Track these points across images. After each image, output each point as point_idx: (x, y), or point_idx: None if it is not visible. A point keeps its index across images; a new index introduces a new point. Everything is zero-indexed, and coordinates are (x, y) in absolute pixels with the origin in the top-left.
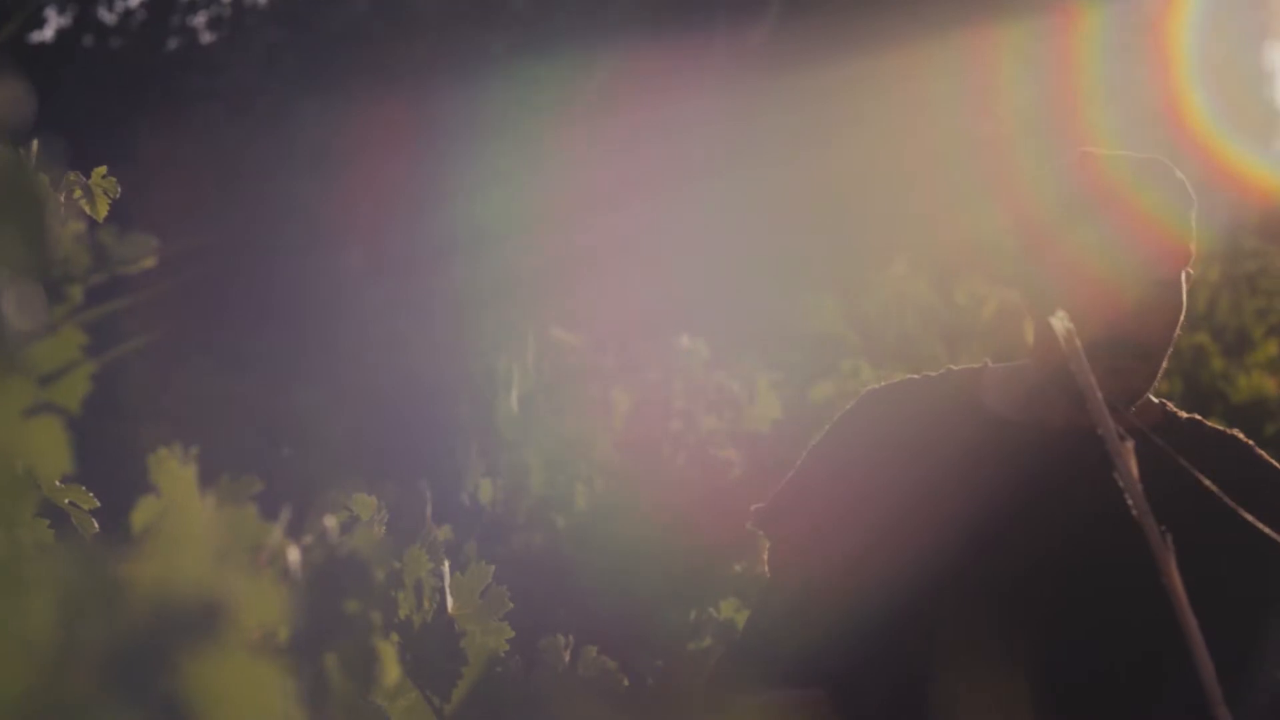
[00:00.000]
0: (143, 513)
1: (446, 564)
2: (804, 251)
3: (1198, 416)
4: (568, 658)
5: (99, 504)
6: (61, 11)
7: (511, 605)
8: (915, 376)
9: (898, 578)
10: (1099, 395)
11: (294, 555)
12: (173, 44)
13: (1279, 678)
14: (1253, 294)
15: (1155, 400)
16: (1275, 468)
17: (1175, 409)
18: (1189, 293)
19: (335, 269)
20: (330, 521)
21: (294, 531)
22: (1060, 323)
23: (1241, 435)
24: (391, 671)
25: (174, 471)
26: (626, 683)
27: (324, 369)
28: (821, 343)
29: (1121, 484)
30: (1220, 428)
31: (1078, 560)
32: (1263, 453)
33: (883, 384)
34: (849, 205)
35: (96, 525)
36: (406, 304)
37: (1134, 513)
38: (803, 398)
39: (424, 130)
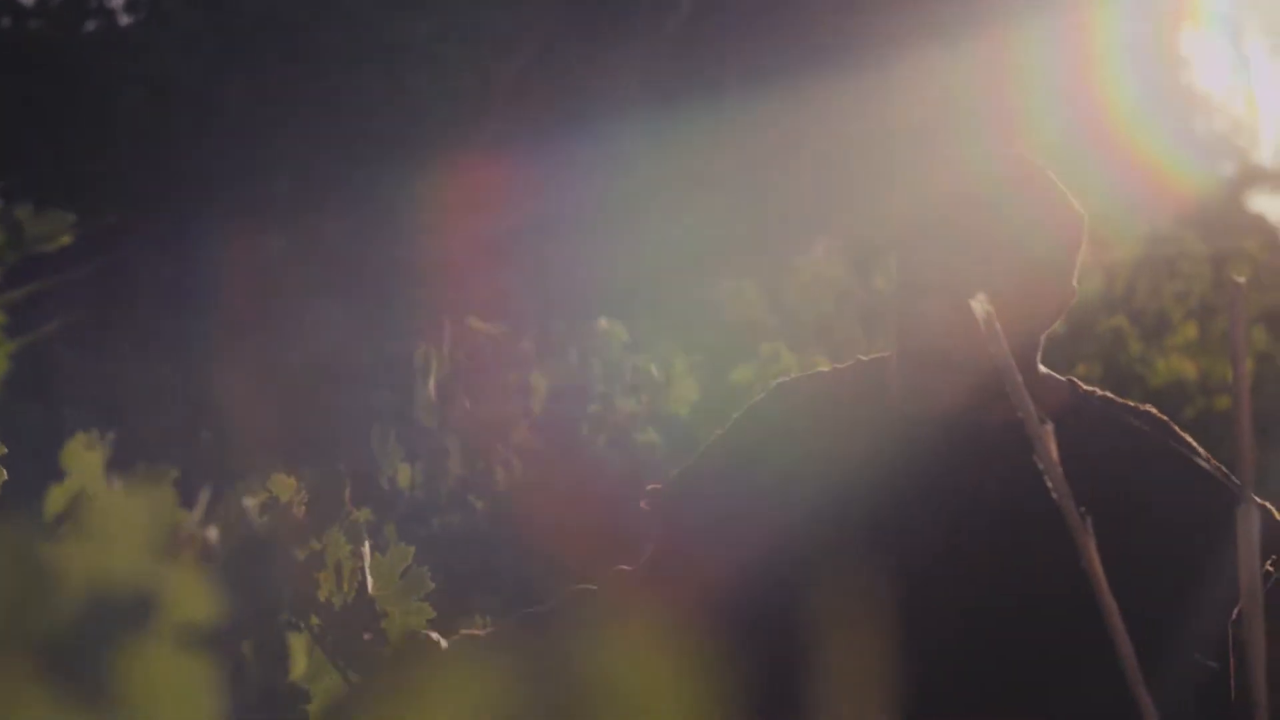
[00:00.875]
0: (55, 499)
1: (367, 545)
2: (723, 235)
3: (1109, 394)
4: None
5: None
6: None
7: (432, 586)
8: (824, 369)
9: (791, 571)
10: (1019, 377)
11: (214, 538)
12: (90, 26)
13: (1202, 661)
14: (1171, 277)
15: (1062, 379)
16: (1189, 442)
17: (1085, 386)
18: (1108, 278)
19: (255, 252)
20: (250, 504)
21: (213, 514)
22: (980, 306)
23: (1155, 410)
24: (309, 654)
25: (83, 457)
26: None
27: (243, 352)
28: (741, 326)
29: (1041, 467)
30: (1133, 404)
31: (982, 551)
32: (1176, 428)
33: (793, 376)
34: (769, 190)
35: (5, 473)
36: (326, 289)
37: (1054, 496)
38: (722, 381)
39: (343, 114)
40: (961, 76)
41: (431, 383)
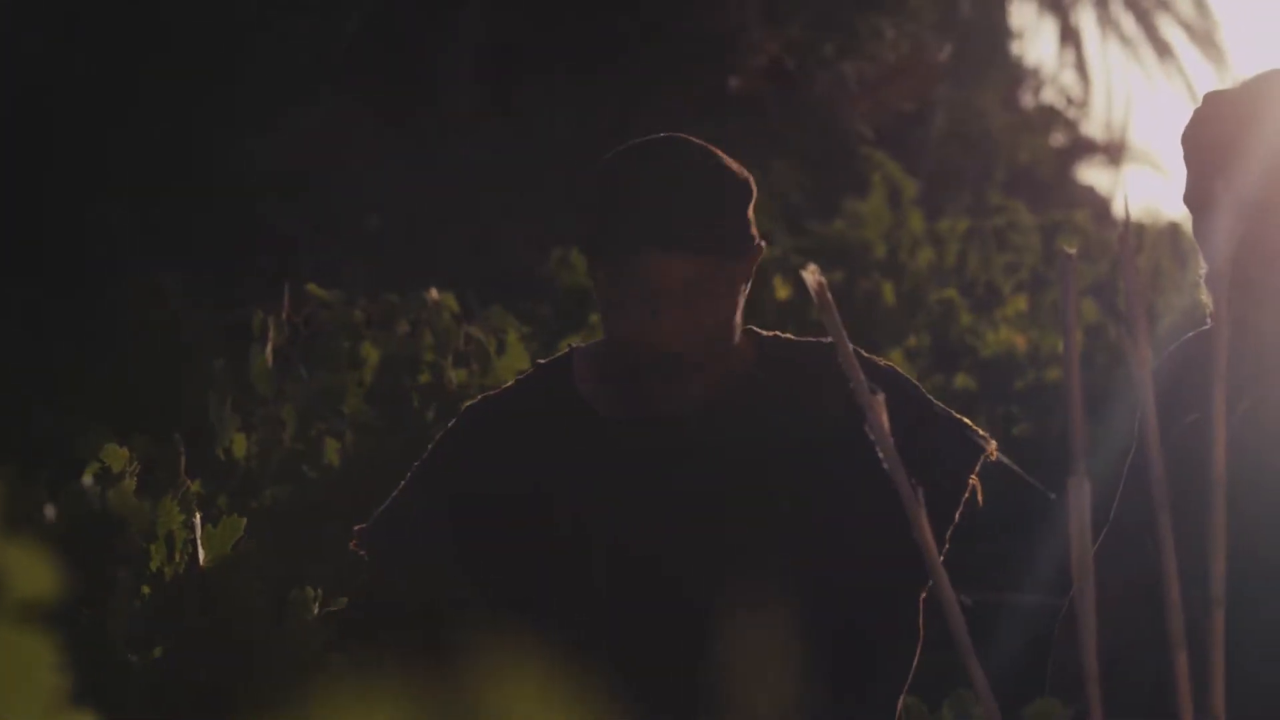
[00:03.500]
0: None
1: (198, 516)
2: (556, 203)
3: (777, 333)
4: (317, 609)
5: None
6: None
7: (262, 558)
8: (510, 383)
9: (512, 597)
10: (850, 347)
11: (50, 512)
12: None
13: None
14: (1001, 249)
15: (743, 328)
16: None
17: (761, 331)
18: (938, 249)
19: (91, 220)
20: (86, 477)
21: (49, 488)
22: (812, 276)
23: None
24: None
25: None
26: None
27: (77, 321)
28: (571, 296)
29: (873, 437)
30: (795, 338)
31: (671, 549)
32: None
33: (479, 399)
34: (602, 156)
35: None
36: (162, 256)
37: (885, 466)
38: (552, 350)
39: (177, 78)
40: (791, 43)
41: (269, 350)
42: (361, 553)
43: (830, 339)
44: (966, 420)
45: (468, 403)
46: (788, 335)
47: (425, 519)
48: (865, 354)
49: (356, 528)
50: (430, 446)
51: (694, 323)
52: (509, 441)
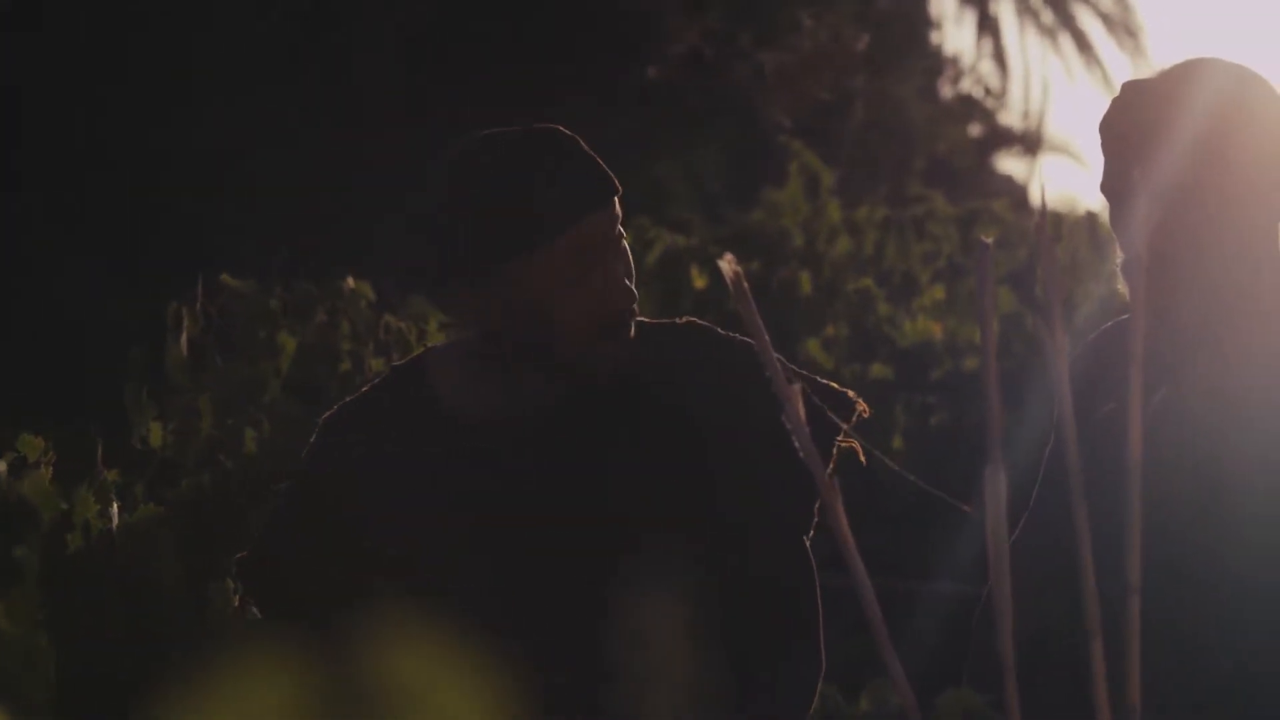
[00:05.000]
0: None
1: (115, 506)
2: None
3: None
4: (237, 600)
5: None
6: None
7: (178, 548)
8: (367, 388)
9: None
10: (766, 337)
11: None
12: None
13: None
14: (918, 238)
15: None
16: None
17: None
18: (856, 238)
19: (3, 210)
20: (1, 467)
21: None
22: (728, 265)
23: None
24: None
25: None
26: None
27: None
28: None
29: (789, 426)
30: (650, 320)
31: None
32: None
33: (336, 409)
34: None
35: None
36: (76, 245)
37: (801, 454)
38: None
39: (93, 61)
40: (710, 34)
41: (184, 340)
42: (240, 582)
43: (686, 320)
44: (835, 385)
45: (325, 415)
46: (644, 318)
47: (298, 541)
48: (724, 333)
49: (237, 557)
50: (299, 466)
51: (629, 275)
52: (365, 448)
